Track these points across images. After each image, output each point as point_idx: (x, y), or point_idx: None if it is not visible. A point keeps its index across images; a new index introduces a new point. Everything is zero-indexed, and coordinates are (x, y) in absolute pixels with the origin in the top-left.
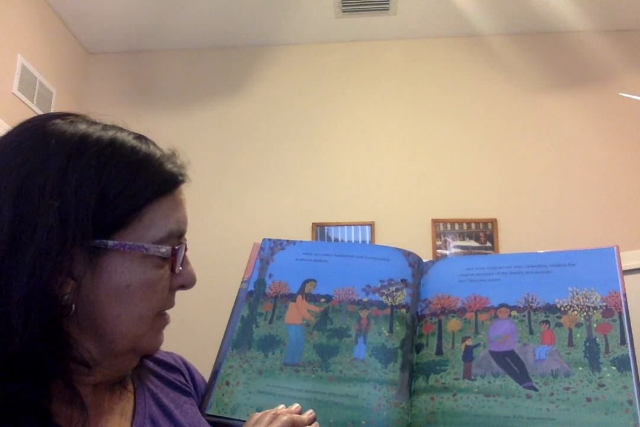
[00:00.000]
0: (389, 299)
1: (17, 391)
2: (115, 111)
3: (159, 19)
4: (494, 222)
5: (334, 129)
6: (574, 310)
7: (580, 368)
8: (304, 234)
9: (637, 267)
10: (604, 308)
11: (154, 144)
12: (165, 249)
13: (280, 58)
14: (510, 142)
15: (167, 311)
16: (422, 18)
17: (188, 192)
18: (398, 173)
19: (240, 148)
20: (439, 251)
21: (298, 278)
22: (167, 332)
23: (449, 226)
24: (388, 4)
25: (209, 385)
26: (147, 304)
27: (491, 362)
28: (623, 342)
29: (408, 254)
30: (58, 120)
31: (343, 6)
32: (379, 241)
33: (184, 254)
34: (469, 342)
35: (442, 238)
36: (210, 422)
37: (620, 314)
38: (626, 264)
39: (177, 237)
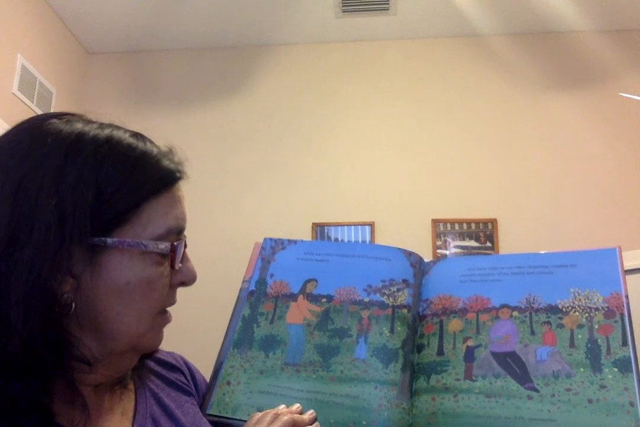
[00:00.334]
0: (390, 299)
1: (19, 390)
2: (115, 111)
3: (159, 19)
4: (494, 222)
5: (334, 129)
6: (575, 311)
7: (581, 369)
8: (304, 234)
9: (638, 267)
10: (606, 309)
11: (151, 142)
12: (164, 246)
13: (280, 58)
14: (510, 142)
15: (169, 309)
16: (422, 18)
17: (188, 192)
18: (398, 173)
19: (240, 148)
20: (439, 251)
21: (299, 278)
22: (168, 332)
23: (449, 226)
24: (388, 4)
25: (209, 385)
26: (147, 302)
27: (492, 363)
28: (625, 343)
29: (409, 254)
30: (55, 120)
31: (343, 6)
32: (379, 241)
33: (184, 251)
34: (470, 343)
35: (442, 238)
36: (211, 422)
37: (622, 315)
38: (626, 264)
39: (176, 233)
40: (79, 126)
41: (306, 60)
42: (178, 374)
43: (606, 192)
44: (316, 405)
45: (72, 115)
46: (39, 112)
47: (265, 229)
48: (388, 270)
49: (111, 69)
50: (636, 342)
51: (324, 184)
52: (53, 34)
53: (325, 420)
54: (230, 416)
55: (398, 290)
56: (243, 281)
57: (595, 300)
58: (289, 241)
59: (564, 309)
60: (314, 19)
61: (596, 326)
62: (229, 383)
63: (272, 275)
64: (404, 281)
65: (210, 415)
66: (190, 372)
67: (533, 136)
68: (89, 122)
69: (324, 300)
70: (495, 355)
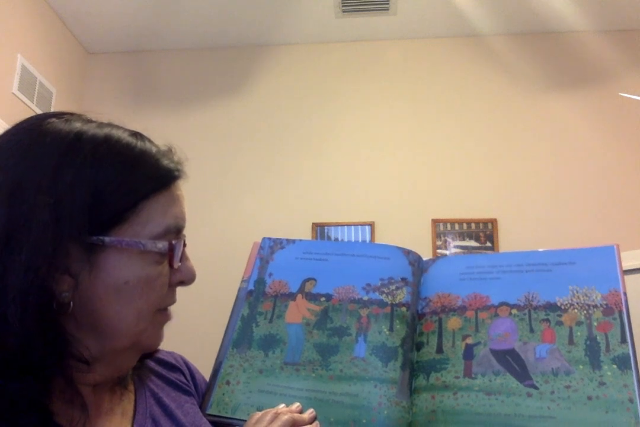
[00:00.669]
0: (389, 297)
1: (18, 390)
2: (115, 111)
3: (159, 19)
4: (494, 222)
5: (334, 128)
6: (574, 308)
7: (580, 366)
8: (304, 234)
9: (637, 267)
10: (605, 306)
11: (150, 141)
12: (162, 245)
13: (280, 58)
14: (511, 142)
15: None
16: (422, 18)
17: (188, 192)
18: (398, 173)
19: (240, 148)
20: (439, 251)
21: (298, 277)
22: (168, 332)
23: (449, 225)
24: (388, 4)
25: (209, 384)
26: (146, 301)
27: (492, 361)
28: (623, 340)
29: (408, 253)
30: (54, 119)
31: (343, 6)
32: (379, 240)
33: (183, 250)
34: (469, 341)
35: (442, 238)
36: (211, 422)
37: (620, 312)
38: (626, 264)
39: (174, 232)
40: (77, 125)
41: (306, 60)
42: (178, 374)
43: (606, 192)
44: (316, 404)
45: (72, 114)
46: (39, 112)
47: (265, 229)
48: (387, 268)
49: (111, 69)
50: (635, 341)
51: (324, 184)
52: (53, 34)
53: (325, 419)
54: (230, 416)
55: (397, 288)
56: (242, 281)
57: (594, 297)
58: (288, 240)
59: (562, 307)
60: (314, 19)
61: (595, 323)
62: (228, 383)
63: (270, 274)
64: (403, 279)
65: (210, 415)
66: (190, 372)
67: (533, 136)
68: (88, 121)
69: (322, 299)
70: (495, 353)
